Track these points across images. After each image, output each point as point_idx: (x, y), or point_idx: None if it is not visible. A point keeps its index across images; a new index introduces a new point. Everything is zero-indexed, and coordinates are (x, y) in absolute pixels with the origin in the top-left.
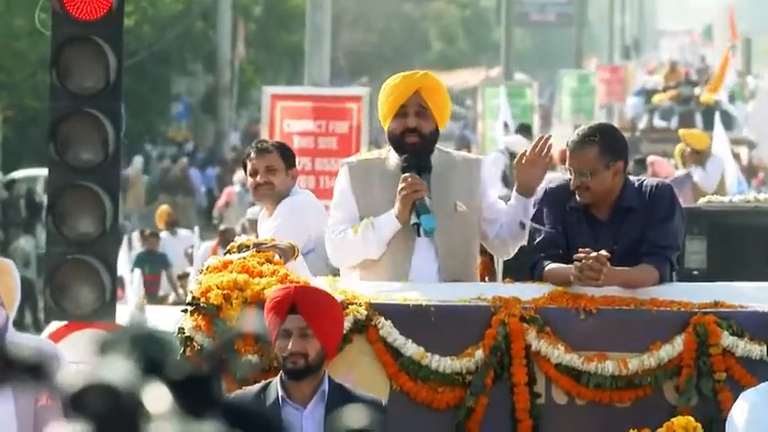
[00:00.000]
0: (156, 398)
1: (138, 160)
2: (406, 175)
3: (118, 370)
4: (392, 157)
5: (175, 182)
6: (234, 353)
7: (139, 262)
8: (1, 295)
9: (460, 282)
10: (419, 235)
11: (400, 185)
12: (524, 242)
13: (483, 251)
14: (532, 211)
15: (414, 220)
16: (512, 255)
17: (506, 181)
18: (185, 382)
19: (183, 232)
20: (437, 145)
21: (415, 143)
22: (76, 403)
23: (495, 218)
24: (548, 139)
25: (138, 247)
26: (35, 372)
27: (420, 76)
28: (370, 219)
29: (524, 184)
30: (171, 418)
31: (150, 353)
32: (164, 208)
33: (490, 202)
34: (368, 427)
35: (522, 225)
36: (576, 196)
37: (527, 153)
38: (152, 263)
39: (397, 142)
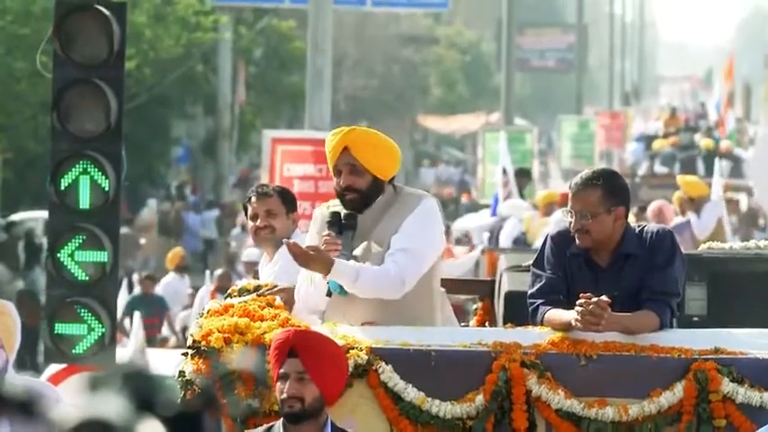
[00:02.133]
0: None
1: (152, 203)
2: (324, 234)
3: (112, 406)
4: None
5: (173, 225)
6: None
7: (134, 305)
8: (1, 337)
9: (400, 323)
10: (328, 295)
11: (321, 245)
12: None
13: (485, 296)
14: (352, 283)
15: (327, 278)
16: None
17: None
18: (177, 420)
19: (187, 276)
20: (395, 183)
21: (353, 200)
22: None
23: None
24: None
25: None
26: (28, 409)
27: (345, 133)
28: (310, 274)
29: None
30: None
31: (141, 390)
32: (177, 250)
33: (396, 237)
34: None
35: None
36: (576, 240)
37: None
38: (148, 306)
39: (340, 199)
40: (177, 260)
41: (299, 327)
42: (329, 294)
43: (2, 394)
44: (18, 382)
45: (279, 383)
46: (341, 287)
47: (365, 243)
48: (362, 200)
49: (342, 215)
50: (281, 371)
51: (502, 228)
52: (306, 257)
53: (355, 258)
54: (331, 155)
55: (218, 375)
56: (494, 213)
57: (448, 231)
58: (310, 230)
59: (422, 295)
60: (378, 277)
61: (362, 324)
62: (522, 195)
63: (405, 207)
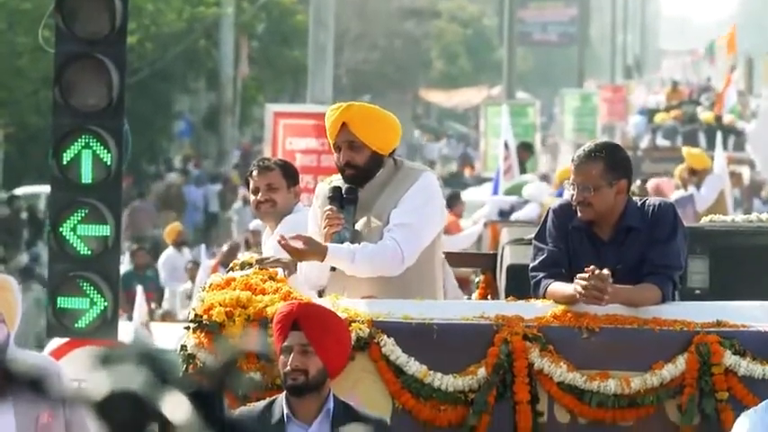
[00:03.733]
0: (175, 406)
1: (172, 176)
2: (326, 209)
3: (136, 379)
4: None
5: (174, 199)
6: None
7: (128, 280)
8: (2, 312)
9: (400, 298)
10: (332, 269)
11: (322, 219)
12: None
13: (487, 269)
14: (350, 265)
15: (324, 263)
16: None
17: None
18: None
19: (186, 250)
20: (396, 157)
21: (352, 175)
22: (102, 410)
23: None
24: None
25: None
26: (34, 386)
27: (343, 109)
28: None
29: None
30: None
31: (154, 368)
32: (174, 225)
33: (396, 212)
34: None
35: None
36: (578, 213)
37: None
38: (142, 281)
39: (341, 174)
40: (175, 235)
41: (301, 300)
42: (333, 269)
43: (8, 371)
44: (19, 356)
45: (282, 356)
46: None
47: (365, 217)
48: (362, 175)
49: (343, 189)
50: (285, 344)
51: (514, 208)
52: (297, 251)
53: (357, 232)
54: (330, 131)
55: (221, 353)
56: (495, 189)
57: (458, 202)
58: (313, 206)
59: (422, 270)
60: (375, 255)
61: (362, 298)
62: (523, 169)
63: (404, 181)
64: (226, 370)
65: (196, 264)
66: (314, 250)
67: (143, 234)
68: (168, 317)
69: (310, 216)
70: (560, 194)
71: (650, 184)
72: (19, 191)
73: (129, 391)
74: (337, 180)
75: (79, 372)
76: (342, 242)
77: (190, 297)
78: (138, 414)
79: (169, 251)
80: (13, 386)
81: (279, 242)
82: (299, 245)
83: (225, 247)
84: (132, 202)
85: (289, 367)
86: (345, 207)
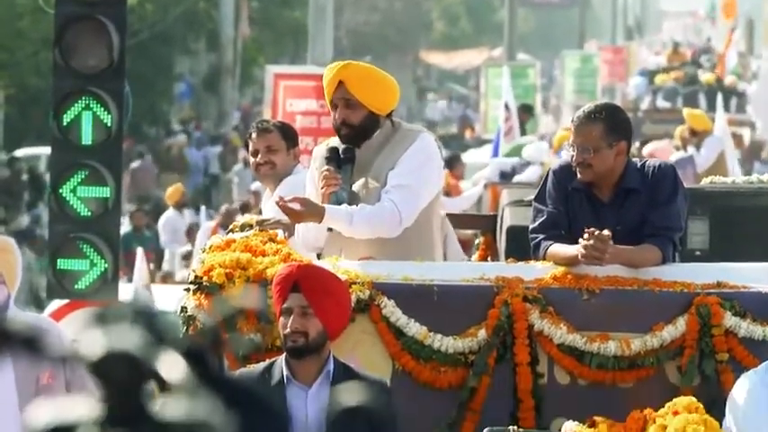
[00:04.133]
0: (171, 365)
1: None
2: (324, 169)
3: (132, 339)
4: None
5: (175, 161)
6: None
7: (127, 241)
8: (2, 273)
9: (398, 259)
10: (329, 230)
11: (320, 180)
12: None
13: (487, 230)
14: (348, 227)
15: (322, 225)
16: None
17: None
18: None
19: (187, 212)
20: (393, 118)
21: (347, 135)
22: (98, 369)
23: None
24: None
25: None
26: (32, 344)
27: (341, 67)
28: None
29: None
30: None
31: (151, 327)
32: (177, 186)
33: (393, 173)
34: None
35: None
36: (578, 174)
37: None
38: (141, 243)
39: (337, 134)
40: (177, 196)
41: (301, 261)
42: (330, 229)
43: (5, 330)
44: (20, 317)
45: (282, 318)
46: None
47: (363, 178)
48: (358, 135)
49: (340, 150)
50: (285, 306)
51: (516, 169)
52: (295, 213)
53: (354, 193)
54: (327, 89)
55: (221, 313)
56: (496, 151)
57: (458, 164)
58: (311, 168)
59: (420, 231)
60: (373, 216)
61: (360, 259)
62: (523, 131)
63: (402, 142)
64: (224, 329)
65: (196, 226)
66: (311, 212)
67: (145, 194)
68: (168, 278)
69: (308, 178)
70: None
71: (646, 149)
72: (19, 152)
73: (125, 351)
74: (335, 142)
75: (78, 332)
76: (339, 202)
77: (189, 258)
78: (134, 373)
79: (169, 212)
80: (10, 344)
81: (277, 203)
82: (296, 206)
83: (223, 209)
84: (132, 163)
85: (289, 329)
86: (343, 167)
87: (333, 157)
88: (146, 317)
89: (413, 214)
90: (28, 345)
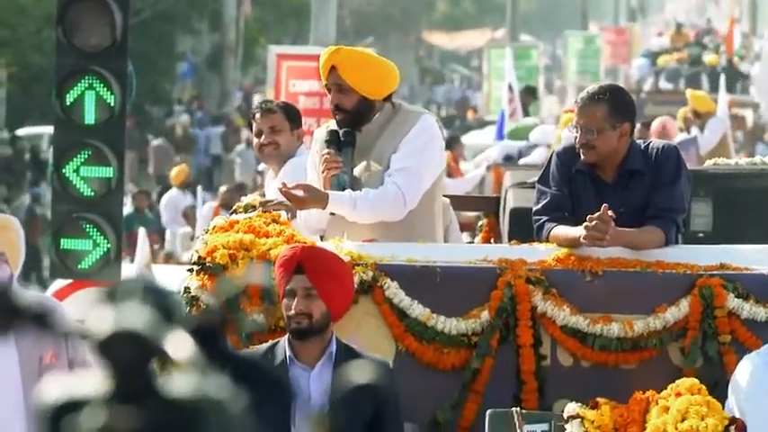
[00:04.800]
0: (178, 344)
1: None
2: (324, 152)
3: (139, 317)
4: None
5: (180, 141)
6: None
7: (129, 222)
8: (5, 252)
9: (394, 240)
10: (331, 213)
11: (321, 163)
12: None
13: (490, 212)
14: (352, 212)
15: (326, 210)
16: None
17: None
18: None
19: (189, 194)
20: (394, 100)
21: (342, 119)
22: (104, 349)
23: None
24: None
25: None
26: (38, 321)
27: (332, 52)
28: None
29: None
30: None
31: (159, 305)
32: (182, 167)
33: (396, 156)
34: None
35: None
36: (581, 155)
37: None
38: (143, 223)
39: (333, 117)
40: (183, 177)
41: (304, 243)
42: (333, 213)
43: (16, 305)
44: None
45: (286, 300)
46: None
47: (364, 162)
48: (352, 119)
49: (340, 133)
50: (288, 287)
51: (522, 153)
52: (298, 199)
53: (355, 177)
54: (322, 73)
55: (224, 294)
56: (500, 132)
57: (457, 145)
58: (312, 152)
59: (423, 213)
60: (377, 201)
61: (364, 242)
62: (526, 113)
63: (403, 125)
64: (226, 309)
65: (192, 209)
66: (315, 198)
67: (164, 173)
68: (171, 259)
69: (309, 162)
70: None
71: (655, 124)
72: (22, 131)
73: (131, 330)
74: (334, 125)
75: (82, 312)
76: (341, 185)
77: (192, 239)
78: (140, 352)
79: (172, 192)
80: (16, 320)
81: (279, 190)
82: (299, 193)
83: (223, 188)
84: (152, 141)
85: (293, 311)
86: (343, 150)
87: (333, 139)
88: (154, 295)
89: (417, 197)
90: (34, 320)
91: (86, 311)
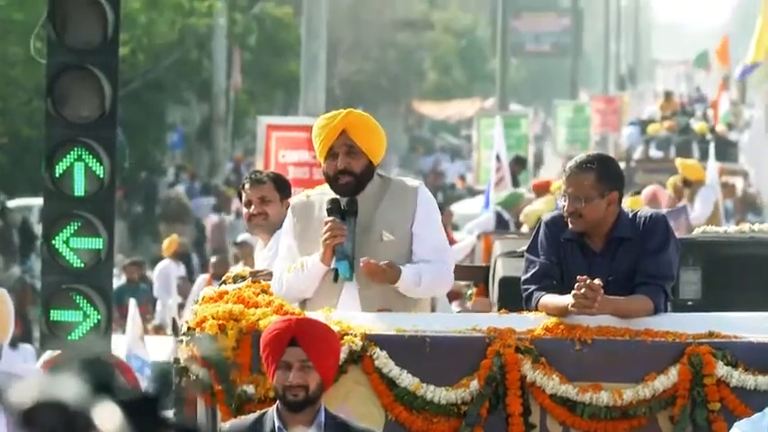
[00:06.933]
0: (107, 416)
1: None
2: (328, 219)
3: (68, 388)
4: (331, 196)
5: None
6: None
7: (121, 294)
8: None
9: (408, 307)
10: (335, 280)
11: (323, 231)
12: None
13: (480, 281)
14: (415, 288)
15: (333, 264)
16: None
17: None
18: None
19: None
20: (378, 172)
21: (348, 183)
22: (27, 419)
23: (415, 251)
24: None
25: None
26: None
27: (344, 115)
28: (302, 259)
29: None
30: None
31: (97, 375)
32: (173, 237)
33: (418, 233)
34: None
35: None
36: (569, 224)
37: None
38: (134, 295)
39: (332, 183)
40: (174, 247)
41: (293, 314)
42: (335, 280)
43: None
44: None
45: (279, 372)
46: (350, 272)
47: (373, 231)
48: (357, 184)
49: (342, 202)
50: (283, 359)
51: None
52: (381, 273)
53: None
54: (327, 137)
55: (212, 363)
56: (487, 201)
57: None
58: (288, 220)
59: None
60: (436, 279)
61: (378, 310)
62: (516, 183)
63: (404, 195)
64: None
65: (181, 279)
66: (391, 271)
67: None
68: (161, 330)
69: (285, 230)
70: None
71: (645, 192)
72: (11, 203)
73: (57, 400)
74: (316, 194)
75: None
76: (344, 254)
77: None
78: (64, 422)
79: (165, 263)
80: None
81: (362, 264)
82: (384, 267)
83: (213, 259)
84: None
85: (290, 383)
86: (347, 218)
87: (335, 208)
88: (90, 366)
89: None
90: None
91: (12, 382)
